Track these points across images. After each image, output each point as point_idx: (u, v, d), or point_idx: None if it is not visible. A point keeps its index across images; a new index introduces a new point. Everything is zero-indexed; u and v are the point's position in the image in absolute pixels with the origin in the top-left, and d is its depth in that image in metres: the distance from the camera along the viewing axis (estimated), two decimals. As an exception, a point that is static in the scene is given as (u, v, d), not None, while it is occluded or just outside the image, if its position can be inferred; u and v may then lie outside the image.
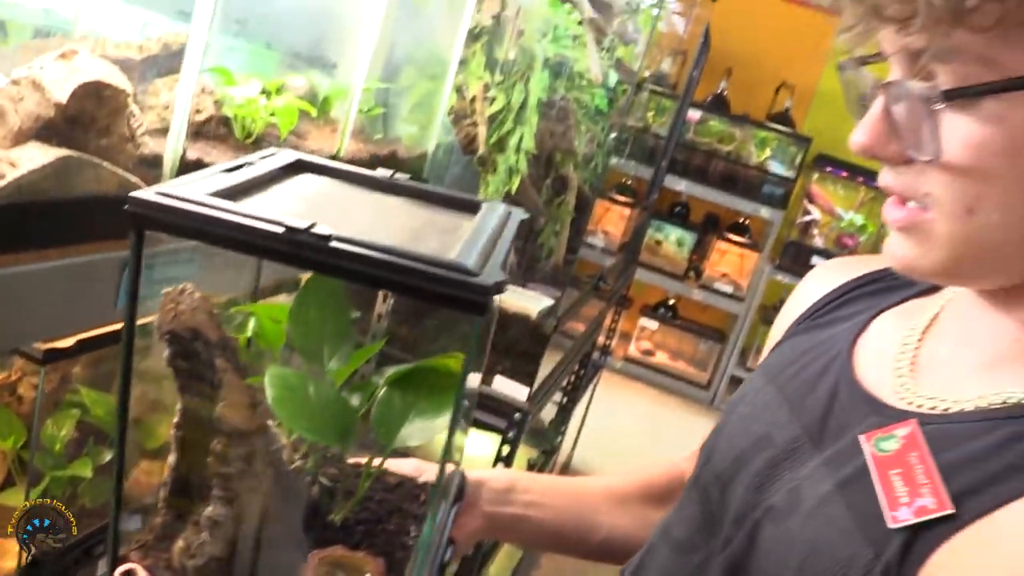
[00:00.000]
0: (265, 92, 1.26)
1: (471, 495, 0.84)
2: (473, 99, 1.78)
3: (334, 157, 1.32)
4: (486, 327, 0.59)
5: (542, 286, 2.13)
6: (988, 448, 0.54)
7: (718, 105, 5.13)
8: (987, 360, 0.60)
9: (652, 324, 5.67)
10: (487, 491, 0.85)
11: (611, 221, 3.46)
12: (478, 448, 2.32)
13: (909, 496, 0.54)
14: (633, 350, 5.69)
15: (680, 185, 5.16)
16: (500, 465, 2.06)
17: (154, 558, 0.71)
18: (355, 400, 0.74)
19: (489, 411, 1.93)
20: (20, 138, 0.81)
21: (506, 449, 1.98)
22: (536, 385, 1.96)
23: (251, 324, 0.80)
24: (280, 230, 0.51)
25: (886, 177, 0.59)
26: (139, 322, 0.63)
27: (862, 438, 0.60)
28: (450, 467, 0.82)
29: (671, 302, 5.71)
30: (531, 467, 2.94)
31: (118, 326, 1.02)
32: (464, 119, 1.80)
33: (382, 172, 0.74)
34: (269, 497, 0.74)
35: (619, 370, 5.67)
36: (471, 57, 1.79)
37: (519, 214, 0.72)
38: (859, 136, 0.58)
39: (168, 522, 0.75)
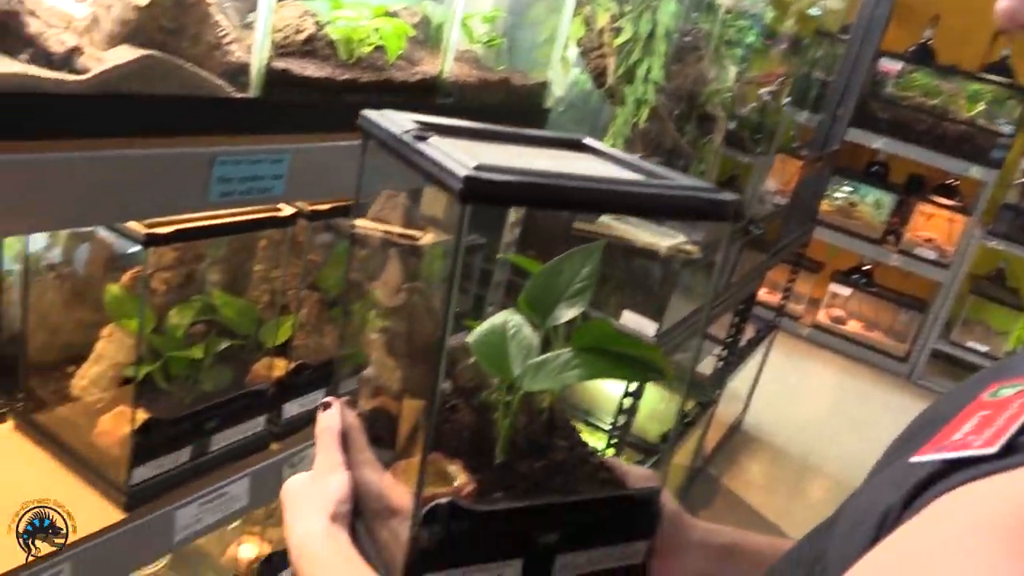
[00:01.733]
0: (375, 17, 1.34)
1: (679, 539, 0.68)
2: (601, 31, 1.78)
3: (437, 78, 1.38)
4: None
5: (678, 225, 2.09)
6: None
7: (922, 56, 4.76)
8: None
9: (844, 291, 5.38)
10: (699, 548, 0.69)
11: (787, 174, 3.33)
12: (612, 387, 2.33)
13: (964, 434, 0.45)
14: (822, 317, 5.43)
15: (877, 143, 4.84)
16: (629, 400, 2.07)
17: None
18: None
19: (615, 346, 1.93)
20: (112, 41, 0.92)
21: (633, 386, 1.98)
22: (665, 324, 1.95)
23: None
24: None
25: None
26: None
27: (984, 394, 0.50)
28: (649, 482, 0.71)
29: (866, 268, 5.39)
30: (684, 417, 2.91)
31: (213, 220, 1.13)
32: (592, 51, 1.81)
33: (637, 156, 0.77)
34: (424, 370, 0.77)
35: (806, 337, 5.44)
36: (600, -12, 1.79)
37: (728, 195, 0.64)
38: None
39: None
